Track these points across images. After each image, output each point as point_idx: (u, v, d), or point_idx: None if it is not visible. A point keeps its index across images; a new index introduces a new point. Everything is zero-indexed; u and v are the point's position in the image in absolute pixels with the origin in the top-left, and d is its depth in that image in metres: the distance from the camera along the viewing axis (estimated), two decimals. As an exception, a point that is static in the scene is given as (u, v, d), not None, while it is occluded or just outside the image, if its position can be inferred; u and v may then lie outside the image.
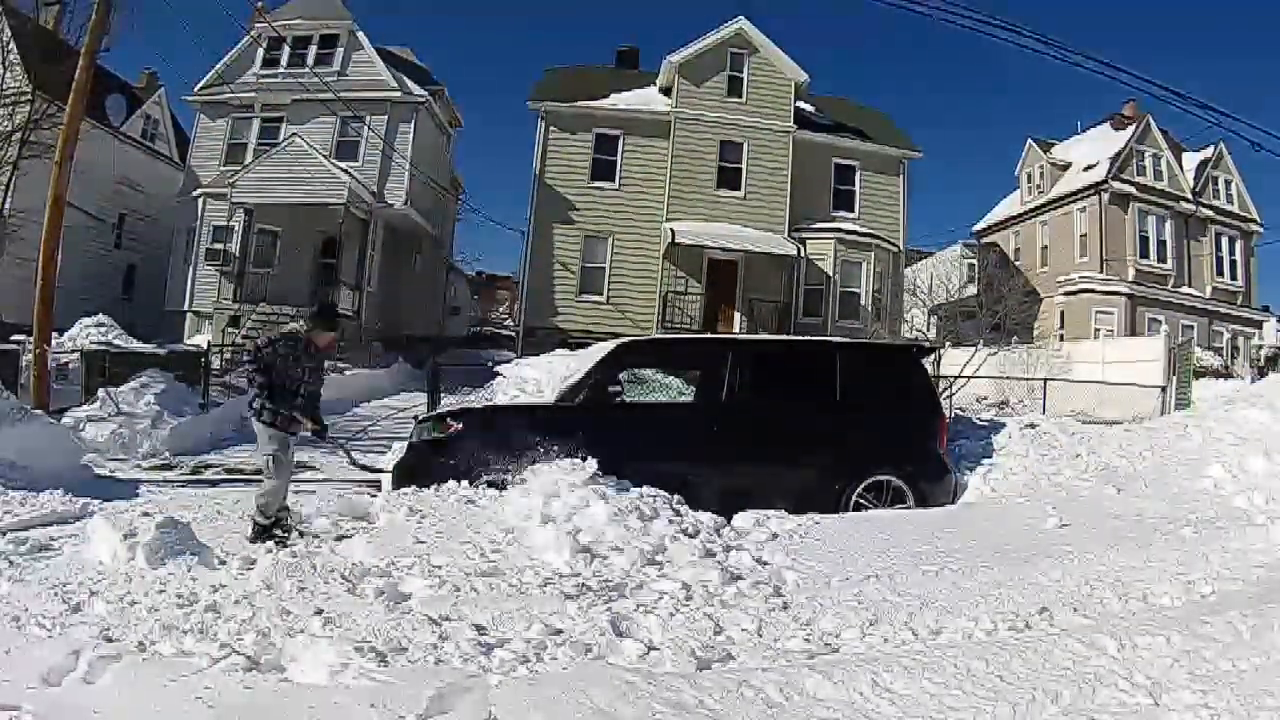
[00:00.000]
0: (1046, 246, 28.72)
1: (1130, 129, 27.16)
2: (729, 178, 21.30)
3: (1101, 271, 25.85)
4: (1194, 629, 3.32)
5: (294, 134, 21.50)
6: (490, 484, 5.44)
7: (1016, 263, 29.21)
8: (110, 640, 3.14)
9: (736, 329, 20.31)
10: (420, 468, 5.96)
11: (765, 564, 4.48)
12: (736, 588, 4.04)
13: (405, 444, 6.82)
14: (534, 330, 20.39)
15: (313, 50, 22.34)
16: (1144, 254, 26.32)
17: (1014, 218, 30.78)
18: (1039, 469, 6.89)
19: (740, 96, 21.52)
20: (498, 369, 15.66)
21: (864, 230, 21.59)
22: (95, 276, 22.56)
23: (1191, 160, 28.01)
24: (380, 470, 6.48)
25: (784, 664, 3.16)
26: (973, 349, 16.31)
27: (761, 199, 21.23)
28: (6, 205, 18.63)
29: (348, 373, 17.25)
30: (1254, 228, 28.33)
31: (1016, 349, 20.04)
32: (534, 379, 12.84)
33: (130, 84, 26.80)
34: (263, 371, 5.08)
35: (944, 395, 12.32)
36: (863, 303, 21.14)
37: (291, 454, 5.32)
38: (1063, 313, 26.45)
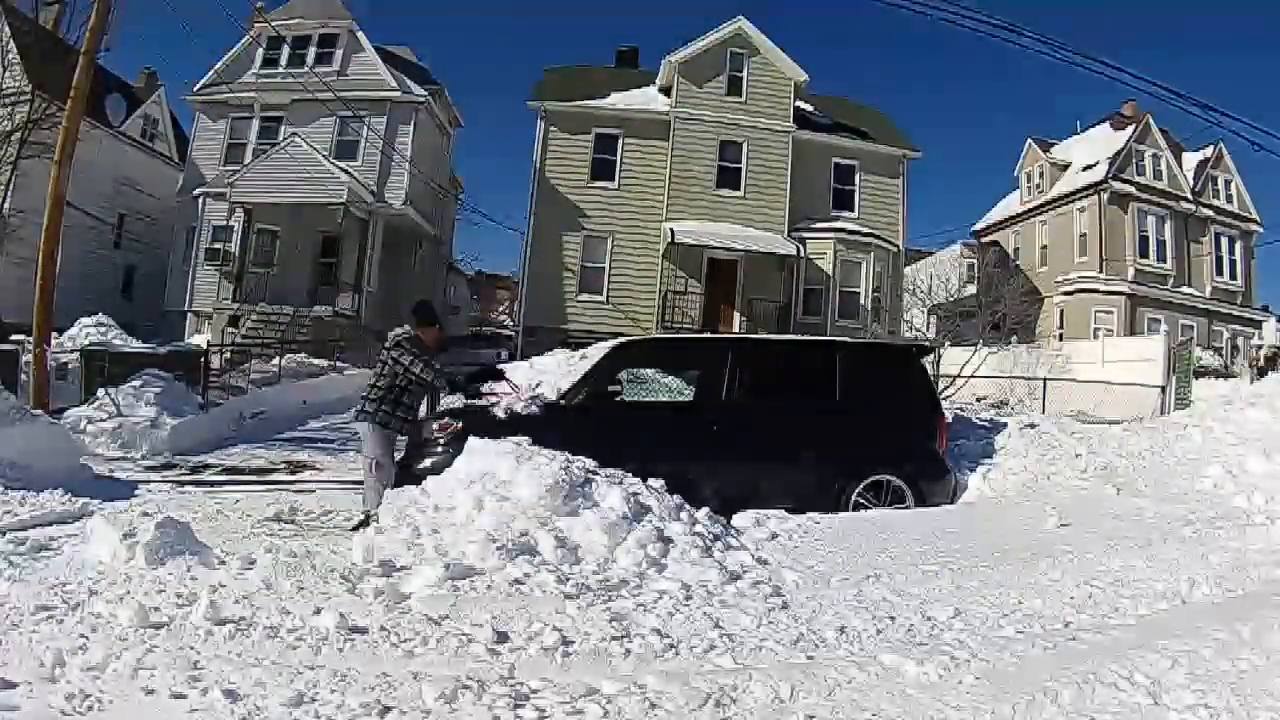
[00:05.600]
0: (1046, 246, 28.74)
1: (1130, 129, 27.18)
2: (729, 177, 21.32)
3: (1101, 271, 25.87)
4: (1194, 629, 3.32)
5: (293, 134, 21.51)
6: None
7: (1016, 262, 29.24)
8: (110, 640, 3.14)
9: (736, 328, 20.32)
10: (420, 467, 5.96)
11: (765, 563, 4.48)
12: (736, 587, 4.04)
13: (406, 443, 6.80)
14: (534, 330, 20.40)
15: (312, 50, 22.36)
16: (1144, 254, 26.34)
17: (1013, 217, 30.80)
18: (1039, 469, 6.89)
19: (740, 96, 21.54)
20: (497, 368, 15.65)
21: (864, 230, 21.62)
22: (95, 276, 22.56)
23: (1191, 160, 28.04)
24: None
25: (783, 663, 3.17)
26: (972, 349, 16.32)
27: (761, 198, 21.24)
28: (6, 205, 18.63)
29: (347, 372, 17.28)
30: (1254, 227, 28.37)
31: (1016, 349, 20.06)
32: (534, 378, 12.82)
33: (130, 84, 26.82)
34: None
35: (944, 395, 12.32)
36: (862, 302, 21.15)
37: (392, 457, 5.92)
38: (1062, 312, 26.47)
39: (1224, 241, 27.71)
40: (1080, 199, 27.25)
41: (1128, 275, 25.74)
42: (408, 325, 6.02)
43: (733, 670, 3.08)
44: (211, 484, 8.48)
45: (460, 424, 6.08)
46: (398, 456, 6.20)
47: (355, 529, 5.52)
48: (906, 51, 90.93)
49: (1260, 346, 24.88)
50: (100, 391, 11.32)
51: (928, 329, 23.78)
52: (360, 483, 6.39)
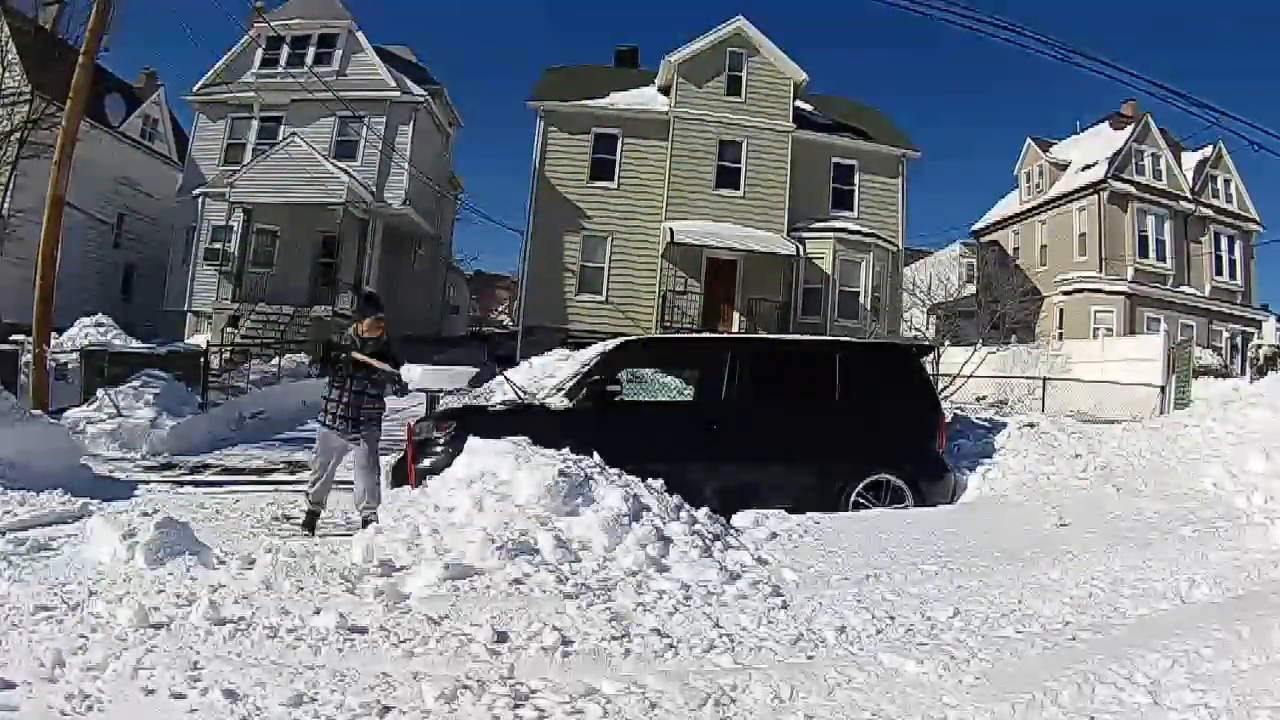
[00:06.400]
0: (1045, 246, 28.74)
1: (1129, 128, 27.18)
2: (728, 177, 21.32)
3: (1101, 271, 25.87)
4: (1194, 629, 3.32)
5: (293, 134, 21.51)
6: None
7: (1016, 262, 29.24)
8: (110, 640, 3.14)
9: (736, 328, 20.33)
10: (420, 467, 5.96)
11: (764, 563, 4.48)
12: (736, 587, 4.04)
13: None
14: (533, 330, 20.40)
15: (312, 50, 22.37)
16: (1143, 253, 26.33)
17: (1013, 217, 30.80)
18: (1038, 468, 6.89)
19: (739, 96, 21.53)
20: (497, 368, 15.67)
21: (863, 230, 21.62)
22: (95, 276, 22.56)
23: (1191, 159, 28.02)
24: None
25: (783, 663, 3.16)
26: (972, 348, 16.32)
27: (761, 198, 21.24)
28: (6, 205, 18.61)
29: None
30: (1253, 227, 28.36)
31: (1016, 348, 20.07)
32: (534, 378, 12.84)
33: (129, 84, 26.81)
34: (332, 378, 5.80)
35: (944, 395, 12.32)
36: (862, 302, 21.15)
37: (330, 453, 5.92)
38: (1062, 312, 26.47)
39: (1224, 241, 27.70)
40: (1080, 198, 27.24)
41: (1127, 275, 25.74)
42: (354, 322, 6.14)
43: (732, 670, 3.08)
44: (211, 484, 8.47)
45: (459, 424, 6.09)
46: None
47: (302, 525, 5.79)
48: (906, 51, 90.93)
49: (1260, 346, 24.91)
50: (100, 392, 11.31)
51: (927, 329, 23.79)
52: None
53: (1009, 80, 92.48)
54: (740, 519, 5.32)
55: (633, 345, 7.58)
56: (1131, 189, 26.23)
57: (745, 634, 3.47)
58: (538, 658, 3.14)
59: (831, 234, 21.19)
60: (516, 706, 2.68)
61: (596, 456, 5.22)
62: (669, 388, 9.13)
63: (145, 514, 4.66)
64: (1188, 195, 27.06)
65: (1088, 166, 27.48)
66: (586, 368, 6.87)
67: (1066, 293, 26.30)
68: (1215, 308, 26.76)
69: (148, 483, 8.16)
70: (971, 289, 25.56)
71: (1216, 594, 3.94)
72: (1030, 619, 3.66)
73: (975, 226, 33.24)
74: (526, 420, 6.07)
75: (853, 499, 6.18)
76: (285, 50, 22.21)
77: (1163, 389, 16.17)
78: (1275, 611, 3.42)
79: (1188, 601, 3.86)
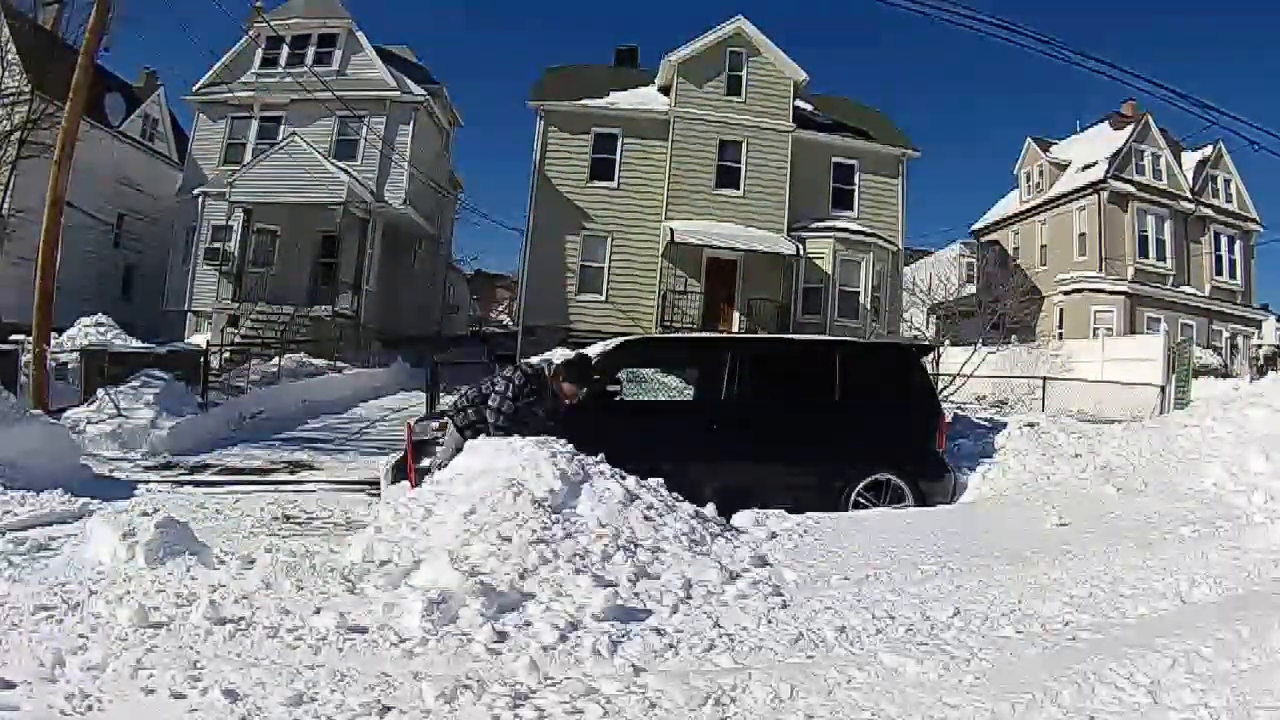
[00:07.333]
0: (1045, 245, 28.76)
1: (1129, 128, 27.19)
2: (728, 177, 21.32)
3: (1100, 270, 25.88)
4: (1194, 628, 3.32)
5: (293, 133, 21.51)
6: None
7: (1016, 262, 29.25)
8: (110, 640, 3.14)
9: (736, 328, 20.33)
10: (421, 465, 5.96)
11: (764, 562, 4.47)
12: (736, 586, 4.03)
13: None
14: (533, 329, 20.40)
15: (311, 50, 22.38)
16: (1143, 253, 26.35)
17: (1013, 217, 30.81)
18: (1039, 468, 6.89)
19: (739, 96, 21.54)
20: (496, 368, 15.67)
21: (863, 229, 21.62)
22: (95, 276, 22.56)
23: (1191, 159, 28.04)
24: None
25: (783, 662, 3.16)
26: (972, 348, 16.33)
27: (761, 198, 21.24)
28: (6, 205, 18.61)
29: (347, 372, 17.29)
30: (1253, 227, 28.38)
31: (1016, 348, 20.09)
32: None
33: (129, 83, 26.82)
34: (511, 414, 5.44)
35: (944, 395, 12.32)
36: (862, 302, 21.15)
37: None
38: (1062, 311, 26.48)
39: (1224, 241, 27.72)
40: (1080, 198, 27.26)
41: (1127, 274, 25.75)
42: (547, 363, 5.91)
43: (732, 669, 3.07)
44: (211, 484, 8.48)
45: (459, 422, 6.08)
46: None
47: None
48: (907, 51, 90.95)
49: (1260, 345, 24.93)
50: (100, 391, 11.32)
51: (927, 329, 23.80)
52: (361, 483, 6.35)
53: (1009, 80, 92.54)
54: (740, 519, 5.31)
55: (633, 345, 7.57)
56: (1131, 189, 26.24)
57: (745, 633, 3.47)
58: (538, 657, 3.14)
59: (831, 234, 21.19)
60: (516, 706, 2.68)
61: (597, 455, 5.22)
62: (669, 388, 9.12)
63: (145, 514, 4.66)
64: (1188, 195, 27.07)
65: (1088, 166, 27.49)
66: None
67: (1066, 292, 26.31)
68: (1215, 308, 26.77)
69: (148, 483, 8.16)
70: (971, 289, 25.56)
71: (1217, 594, 3.93)
72: (1030, 619, 3.65)
73: (975, 226, 33.25)
74: (526, 419, 6.06)
75: (853, 499, 6.18)
76: (285, 50, 22.22)
77: (1163, 389, 16.19)
78: (1275, 611, 3.41)
79: (1188, 601, 3.86)
